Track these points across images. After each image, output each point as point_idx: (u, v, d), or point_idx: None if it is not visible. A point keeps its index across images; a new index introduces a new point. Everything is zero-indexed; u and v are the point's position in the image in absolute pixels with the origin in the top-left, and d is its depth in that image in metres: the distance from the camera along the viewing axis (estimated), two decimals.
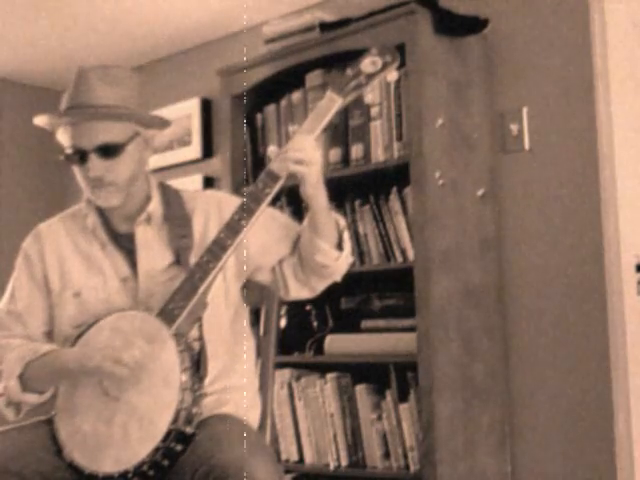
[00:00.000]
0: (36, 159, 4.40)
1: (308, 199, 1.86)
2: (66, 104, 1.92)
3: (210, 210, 2.00)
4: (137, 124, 1.93)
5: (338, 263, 1.94)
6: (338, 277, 1.99)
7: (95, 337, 1.84)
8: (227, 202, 1.98)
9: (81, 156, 1.89)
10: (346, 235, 1.95)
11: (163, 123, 2.03)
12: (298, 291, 2.01)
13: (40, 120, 1.95)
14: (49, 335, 1.99)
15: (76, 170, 1.93)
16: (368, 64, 1.87)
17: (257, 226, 1.87)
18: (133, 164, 1.93)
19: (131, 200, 1.96)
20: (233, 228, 1.82)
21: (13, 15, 3.60)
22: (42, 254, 1.99)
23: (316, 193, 1.85)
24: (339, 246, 1.93)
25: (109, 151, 1.88)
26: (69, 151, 1.90)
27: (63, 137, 1.92)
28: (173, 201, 2.01)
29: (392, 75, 1.89)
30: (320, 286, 2.01)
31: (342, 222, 1.96)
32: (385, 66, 1.87)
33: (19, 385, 1.87)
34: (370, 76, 1.87)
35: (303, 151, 1.80)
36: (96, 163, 1.87)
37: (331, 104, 1.86)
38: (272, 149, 1.87)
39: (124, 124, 1.90)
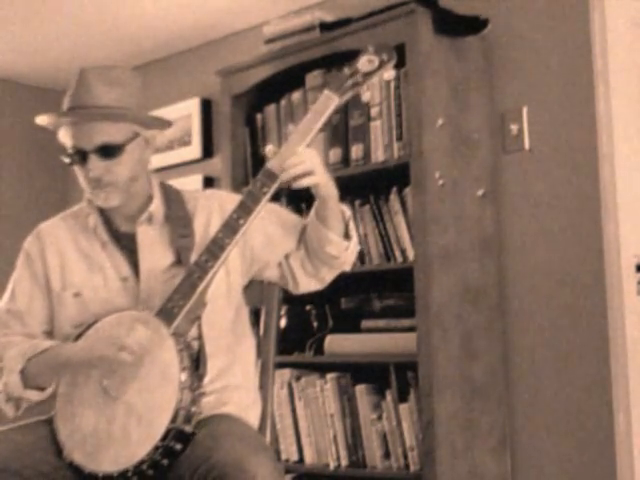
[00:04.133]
0: (36, 159, 4.40)
1: (321, 196, 1.88)
2: (67, 104, 1.92)
3: (212, 209, 2.00)
4: (137, 124, 1.93)
5: (348, 253, 1.96)
6: (347, 267, 2.02)
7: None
8: (229, 201, 1.98)
9: (82, 156, 1.89)
10: (352, 224, 1.97)
11: (164, 124, 2.03)
12: (307, 284, 2.03)
13: (42, 120, 1.96)
14: (49, 334, 1.99)
15: (77, 170, 1.93)
16: (365, 62, 1.87)
17: (261, 223, 1.89)
18: (133, 164, 1.93)
19: (132, 200, 1.96)
20: (231, 227, 1.82)
21: (13, 15, 3.60)
22: (43, 253, 1.99)
23: (328, 190, 1.88)
24: (346, 236, 1.95)
25: (108, 151, 1.88)
26: (70, 151, 1.91)
27: (65, 137, 1.93)
28: (174, 201, 2.01)
29: (389, 73, 1.90)
30: (329, 277, 2.03)
31: (347, 212, 1.97)
32: (382, 64, 1.87)
33: (20, 381, 1.87)
34: (367, 74, 1.87)
35: (304, 163, 1.81)
36: (96, 163, 1.88)
37: (328, 102, 1.87)
38: (269, 148, 1.87)
39: (123, 125, 1.90)
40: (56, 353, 1.87)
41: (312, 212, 1.95)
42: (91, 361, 1.80)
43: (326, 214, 1.91)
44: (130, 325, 1.78)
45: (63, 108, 1.93)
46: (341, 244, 1.94)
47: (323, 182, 1.85)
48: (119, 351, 1.74)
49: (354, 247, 1.98)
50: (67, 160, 1.93)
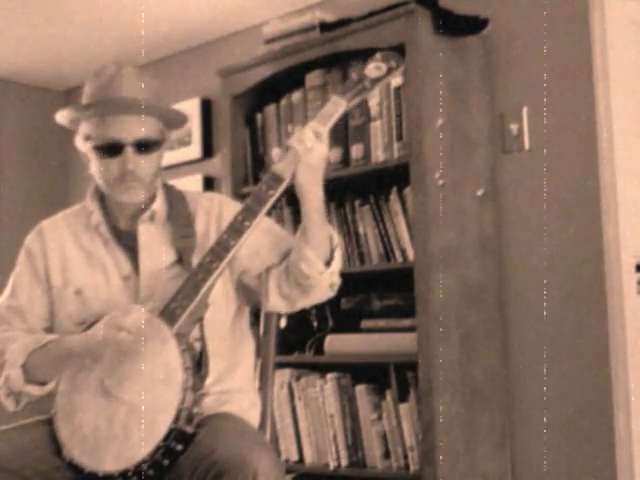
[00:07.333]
0: (36, 159, 4.40)
1: (302, 193, 1.83)
2: (95, 97, 1.90)
3: (211, 212, 2.01)
4: (163, 122, 1.95)
5: (322, 277, 1.89)
6: (319, 294, 1.94)
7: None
8: (227, 206, 2.00)
9: (116, 149, 1.88)
10: (338, 253, 1.92)
11: (183, 120, 2.04)
12: (276, 302, 1.97)
13: (64, 115, 1.94)
14: (49, 331, 1.99)
15: (101, 163, 1.90)
16: (373, 69, 1.89)
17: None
18: (158, 162, 1.96)
19: None
20: (237, 229, 1.82)
21: (13, 15, 3.60)
22: (44, 250, 2.00)
23: (311, 184, 1.83)
24: (328, 263, 1.90)
25: (147, 146, 1.90)
26: (100, 142, 1.88)
27: (93, 129, 1.90)
28: (176, 201, 2.02)
29: (396, 80, 1.91)
30: (300, 302, 1.97)
31: (336, 239, 1.93)
32: (390, 71, 1.89)
33: (22, 375, 1.88)
34: (375, 81, 1.89)
35: (307, 133, 1.80)
36: (132, 157, 1.88)
37: (336, 108, 1.87)
38: (276, 151, 1.88)
39: (156, 121, 1.93)
40: (57, 345, 1.88)
41: (299, 228, 1.91)
42: (91, 347, 1.80)
43: (309, 227, 1.86)
44: (126, 308, 1.78)
45: (89, 100, 1.91)
46: (317, 265, 1.87)
47: (305, 160, 1.80)
48: (118, 331, 1.74)
49: (330, 276, 1.90)
50: (95, 151, 1.89)
